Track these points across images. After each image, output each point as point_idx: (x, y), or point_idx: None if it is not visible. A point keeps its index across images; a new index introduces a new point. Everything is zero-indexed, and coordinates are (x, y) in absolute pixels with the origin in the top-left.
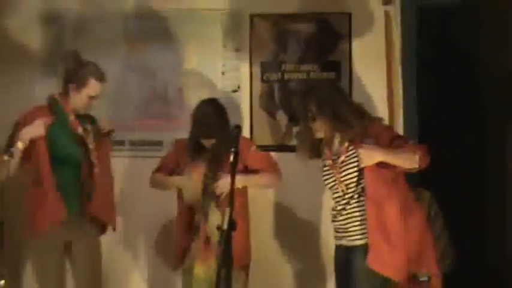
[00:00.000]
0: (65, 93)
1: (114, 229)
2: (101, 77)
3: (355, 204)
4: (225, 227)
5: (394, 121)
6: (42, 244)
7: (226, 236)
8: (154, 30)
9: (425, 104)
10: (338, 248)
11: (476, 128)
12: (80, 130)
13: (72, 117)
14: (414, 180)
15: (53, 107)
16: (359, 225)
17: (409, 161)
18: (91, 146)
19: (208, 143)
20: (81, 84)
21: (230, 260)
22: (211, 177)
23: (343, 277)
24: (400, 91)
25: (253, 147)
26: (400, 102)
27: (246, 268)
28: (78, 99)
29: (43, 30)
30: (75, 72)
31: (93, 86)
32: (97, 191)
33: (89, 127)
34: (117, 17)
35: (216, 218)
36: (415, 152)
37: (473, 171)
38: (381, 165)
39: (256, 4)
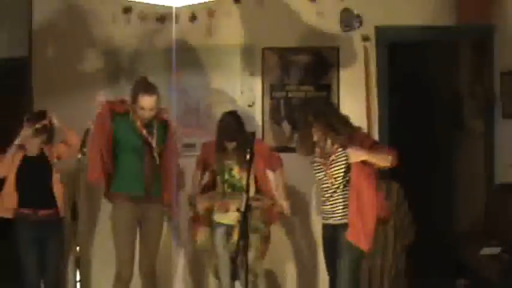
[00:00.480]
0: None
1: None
2: (147, 92)
3: (340, 193)
4: (243, 209)
5: (371, 128)
6: (119, 219)
7: (244, 216)
8: (190, 60)
9: (394, 116)
10: (325, 226)
11: (431, 134)
12: (144, 132)
13: (138, 123)
14: (386, 174)
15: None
16: (343, 208)
17: (384, 160)
18: (153, 145)
19: (230, 145)
20: (134, 100)
21: (247, 234)
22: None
23: (331, 248)
24: (376, 107)
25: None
26: (375, 115)
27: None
28: (136, 111)
29: (106, 61)
30: (131, 91)
31: (141, 100)
32: (165, 183)
33: (154, 131)
34: (162, 50)
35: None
36: (388, 154)
37: (429, 167)
38: (362, 162)
39: (266, 40)
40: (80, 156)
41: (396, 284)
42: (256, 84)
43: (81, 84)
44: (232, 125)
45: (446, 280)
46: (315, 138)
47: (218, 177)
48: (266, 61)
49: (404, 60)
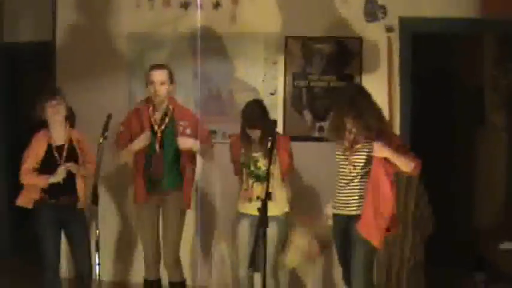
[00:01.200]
0: (147, 100)
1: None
2: (155, 66)
3: (357, 183)
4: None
5: (393, 119)
6: (140, 215)
7: (263, 204)
8: (212, 47)
9: (416, 108)
10: (337, 216)
11: (453, 127)
12: (154, 122)
13: (153, 116)
14: None
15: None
16: (358, 199)
17: (406, 166)
18: (159, 134)
19: (254, 134)
20: (147, 81)
21: (266, 221)
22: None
23: (343, 240)
24: (398, 98)
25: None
26: (397, 106)
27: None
28: (150, 93)
29: (129, 46)
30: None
31: (150, 76)
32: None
33: (164, 125)
34: (186, 37)
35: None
36: (412, 161)
37: (450, 160)
38: (385, 159)
39: (290, 29)
40: (101, 140)
41: (414, 275)
42: (279, 73)
43: (104, 70)
44: (256, 112)
45: (465, 273)
46: (347, 125)
47: (244, 170)
48: (289, 50)
49: (428, 52)
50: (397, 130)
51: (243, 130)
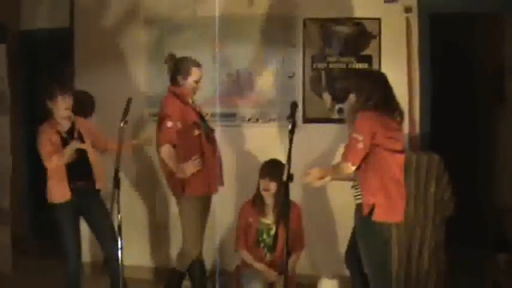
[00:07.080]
0: (176, 84)
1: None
2: (198, 65)
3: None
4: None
5: (413, 100)
6: (190, 210)
7: (285, 186)
8: (231, 30)
9: (436, 88)
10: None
11: (473, 107)
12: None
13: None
14: (427, 146)
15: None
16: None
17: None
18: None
19: (268, 193)
20: (186, 73)
21: (288, 204)
22: None
23: None
24: (418, 78)
25: None
26: (417, 87)
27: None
28: (187, 86)
29: (147, 31)
30: (180, 66)
31: (195, 73)
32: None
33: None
34: (205, 20)
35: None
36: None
37: (471, 139)
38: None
39: (308, 11)
40: (122, 125)
41: (435, 256)
42: (297, 55)
43: (123, 54)
44: (277, 165)
45: (487, 254)
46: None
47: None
48: (307, 32)
49: (447, 31)
50: (416, 110)
51: (258, 192)
